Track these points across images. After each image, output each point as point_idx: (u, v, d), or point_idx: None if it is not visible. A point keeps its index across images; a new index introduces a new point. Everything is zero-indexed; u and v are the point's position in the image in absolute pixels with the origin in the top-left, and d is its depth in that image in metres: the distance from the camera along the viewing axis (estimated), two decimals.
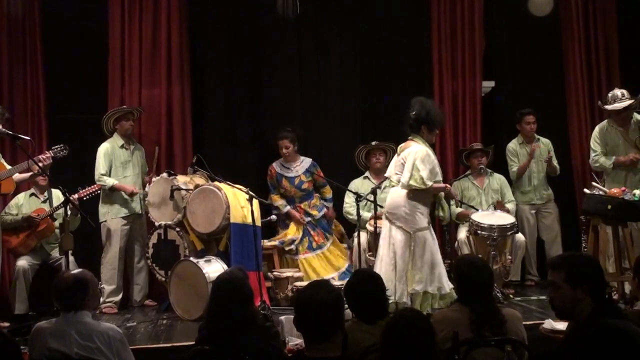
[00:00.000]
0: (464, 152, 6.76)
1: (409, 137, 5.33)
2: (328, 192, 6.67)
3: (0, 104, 6.34)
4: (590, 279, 2.77)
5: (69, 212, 5.16)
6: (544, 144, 6.80)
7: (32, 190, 6.05)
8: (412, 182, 5.12)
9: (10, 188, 5.58)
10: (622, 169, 6.17)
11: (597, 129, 6.29)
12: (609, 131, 6.16)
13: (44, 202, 6.00)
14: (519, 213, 6.77)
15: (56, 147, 5.67)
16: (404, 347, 2.41)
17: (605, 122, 6.28)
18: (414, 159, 5.14)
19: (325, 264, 6.47)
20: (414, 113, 5.29)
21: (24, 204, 5.97)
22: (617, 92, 6.19)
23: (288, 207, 6.54)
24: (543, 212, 6.80)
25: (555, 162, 6.79)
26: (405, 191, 5.20)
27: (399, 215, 5.22)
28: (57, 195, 5.90)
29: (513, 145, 6.87)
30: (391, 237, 5.23)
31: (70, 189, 5.36)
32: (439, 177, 5.27)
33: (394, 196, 5.29)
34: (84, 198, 5.84)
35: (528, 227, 6.77)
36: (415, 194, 5.18)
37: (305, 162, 6.59)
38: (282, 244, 6.41)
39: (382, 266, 5.20)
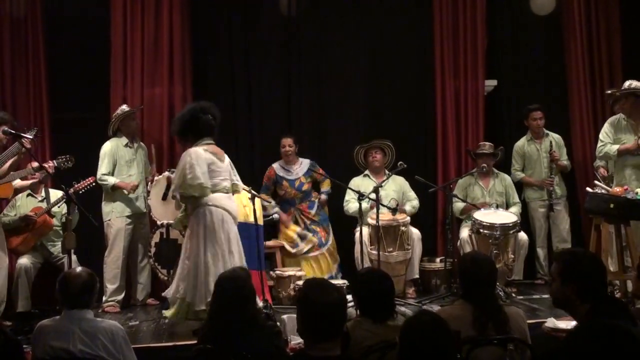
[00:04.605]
0: (471, 151, 6.78)
1: (213, 142, 5.11)
2: (326, 186, 6.71)
3: (3, 103, 6.38)
4: (579, 279, 2.73)
5: (70, 211, 5.17)
6: (555, 140, 6.77)
7: (29, 190, 6.06)
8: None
9: (7, 193, 5.59)
10: (629, 158, 6.05)
11: (609, 119, 6.25)
12: (620, 122, 6.11)
13: (41, 201, 6.02)
14: (529, 212, 6.78)
15: (61, 157, 5.73)
16: (425, 349, 2.36)
17: (619, 114, 6.22)
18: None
19: (324, 265, 6.51)
20: (210, 116, 5.07)
21: (21, 204, 6.00)
22: (627, 82, 6.13)
23: (277, 209, 6.55)
24: (556, 209, 6.76)
25: (564, 160, 6.78)
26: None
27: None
28: (55, 194, 5.94)
29: (520, 144, 6.86)
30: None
31: (68, 186, 5.39)
32: None
33: (236, 201, 5.20)
34: (80, 192, 5.86)
35: (538, 226, 6.78)
36: None
37: (304, 164, 6.63)
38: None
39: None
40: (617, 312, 2.68)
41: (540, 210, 6.77)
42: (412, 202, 6.61)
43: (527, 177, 6.82)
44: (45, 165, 5.50)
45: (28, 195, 6.06)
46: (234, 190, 5.17)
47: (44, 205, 5.98)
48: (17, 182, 5.72)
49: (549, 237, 6.84)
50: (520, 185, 6.88)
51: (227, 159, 5.15)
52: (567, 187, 6.91)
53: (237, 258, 4.94)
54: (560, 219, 6.77)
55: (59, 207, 5.97)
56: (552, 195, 6.63)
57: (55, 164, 5.63)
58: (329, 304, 2.64)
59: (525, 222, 6.77)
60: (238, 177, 5.21)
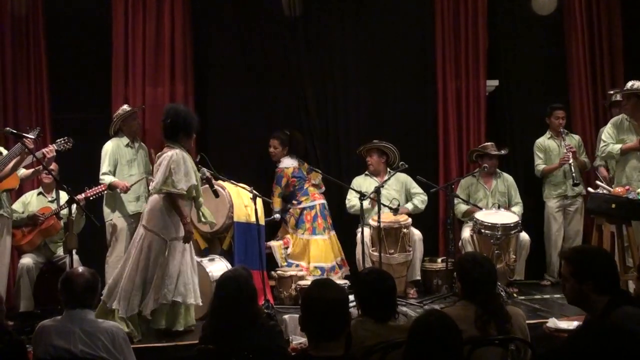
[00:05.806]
0: (474, 152, 6.76)
1: (166, 145, 5.08)
2: (274, 203, 6.49)
3: (4, 103, 6.38)
4: (595, 276, 2.79)
5: (73, 212, 5.16)
6: (575, 139, 6.79)
7: (40, 189, 6.09)
8: (164, 187, 4.90)
9: (13, 184, 5.59)
10: (631, 158, 6.03)
11: (612, 120, 6.25)
12: (623, 123, 6.11)
13: (52, 201, 6.03)
14: (546, 212, 6.79)
15: (60, 139, 5.64)
16: (433, 349, 2.38)
17: (622, 115, 6.22)
18: (168, 163, 4.92)
19: (327, 251, 6.46)
20: (169, 121, 5.06)
21: (31, 202, 6.01)
22: (629, 83, 6.12)
23: (278, 209, 6.55)
24: (569, 210, 6.78)
25: (584, 157, 6.78)
26: (160, 197, 4.96)
27: (156, 223, 4.95)
28: (65, 196, 5.93)
29: (542, 140, 6.86)
30: (145, 244, 4.93)
31: (74, 188, 5.36)
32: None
33: (153, 203, 5.01)
34: (91, 198, 5.83)
35: (554, 227, 6.75)
36: (171, 201, 4.96)
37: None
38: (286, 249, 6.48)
39: (130, 272, 4.90)
40: (634, 301, 2.70)
41: (558, 212, 6.77)
42: (419, 197, 6.57)
43: (547, 166, 6.77)
44: (45, 150, 5.45)
45: (39, 194, 6.06)
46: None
47: (53, 206, 5.97)
48: (22, 172, 5.71)
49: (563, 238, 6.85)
50: (539, 186, 6.86)
51: (158, 159, 5.06)
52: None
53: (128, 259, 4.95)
54: (575, 221, 6.77)
55: (62, 208, 5.95)
56: (572, 172, 6.41)
57: (56, 147, 5.56)
58: (331, 303, 2.64)
59: (540, 222, 6.82)
60: (156, 178, 4.97)
